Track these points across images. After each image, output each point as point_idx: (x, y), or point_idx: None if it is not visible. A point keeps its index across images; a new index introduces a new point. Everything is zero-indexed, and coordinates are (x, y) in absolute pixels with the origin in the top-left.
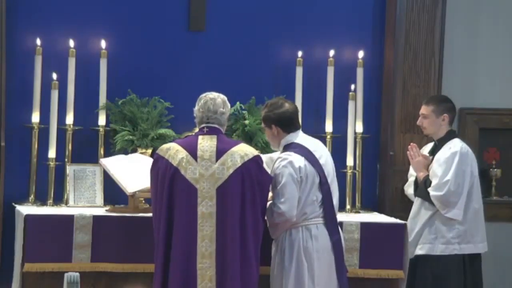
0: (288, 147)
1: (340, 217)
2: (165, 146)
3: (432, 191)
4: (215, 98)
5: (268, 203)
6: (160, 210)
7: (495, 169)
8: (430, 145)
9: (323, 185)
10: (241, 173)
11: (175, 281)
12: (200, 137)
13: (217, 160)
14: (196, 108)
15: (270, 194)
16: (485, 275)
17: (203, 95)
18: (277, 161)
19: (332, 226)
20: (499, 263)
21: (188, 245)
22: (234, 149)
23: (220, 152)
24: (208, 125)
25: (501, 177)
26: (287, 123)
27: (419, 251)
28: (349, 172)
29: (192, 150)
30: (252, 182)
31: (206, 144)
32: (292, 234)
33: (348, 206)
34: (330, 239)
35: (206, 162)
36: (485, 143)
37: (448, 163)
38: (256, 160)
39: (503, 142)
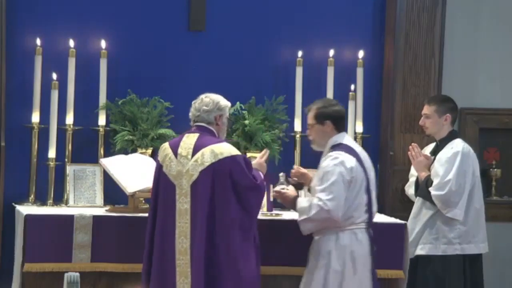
0: (337, 147)
1: None
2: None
3: (433, 191)
4: (202, 98)
5: (313, 199)
6: (150, 208)
7: (495, 169)
8: (431, 146)
9: (369, 190)
10: (212, 171)
11: (157, 277)
12: (185, 135)
13: (192, 156)
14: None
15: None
16: (485, 275)
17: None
18: (327, 159)
19: (372, 232)
20: (499, 263)
21: (167, 241)
22: (211, 146)
23: (196, 149)
24: (196, 124)
25: (501, 177)
26: (341, 121)
27: (420, 251)
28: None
29: (175, 148)
30: (224, 181)
31: (188, 141)
32: (340, 237)
33: None
34: (370, 246)
35: (184, 159)
36: (485, 143)
37: (449, 163)
38: (235, 160)
39: (503, 142)
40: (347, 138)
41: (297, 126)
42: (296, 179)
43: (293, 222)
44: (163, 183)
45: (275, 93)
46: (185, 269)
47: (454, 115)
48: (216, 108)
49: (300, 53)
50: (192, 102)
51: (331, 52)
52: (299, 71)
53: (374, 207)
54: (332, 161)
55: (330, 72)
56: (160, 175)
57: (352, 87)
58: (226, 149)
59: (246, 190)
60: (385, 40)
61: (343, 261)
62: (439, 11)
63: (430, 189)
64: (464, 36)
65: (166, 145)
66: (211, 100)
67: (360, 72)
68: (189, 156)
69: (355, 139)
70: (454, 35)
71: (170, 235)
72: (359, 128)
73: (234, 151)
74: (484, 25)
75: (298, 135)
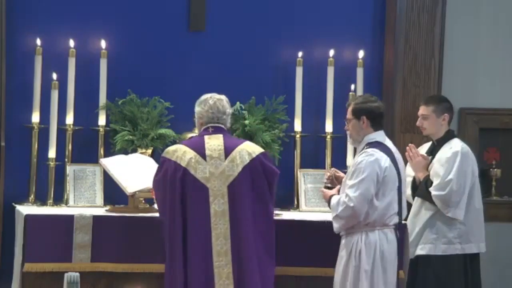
0: (372, 145)
1: None
2: (170, 148)
3: (434, 191)
4: (222, 99)
5: (341, 196)
6: (172, 211)
7: (495, 169)
8: (427, 145)
9: (400, 190)
10: (250, 170)
11: (194, 282)
12: (206, 137)
13: (225, 158)
14: (203, 109)
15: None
16: (485, 275)
17: (208, 96)
18: (361, 155)
19: (400, 233)
20: (499, 263)
21: (203, 244)
22: (241, 146)
23: (228, 150)
24: (214, 125)
25: (501, 177)
26: (377, 118)
27: (420, 251)
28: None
29: (200, 150)
30: (260, 179)
31: (214, 143)
32: (369, 236)
33: None
34: (398, 247)
35: (216, 161)
36: (485, 143)
37: (450, 163)
38: (263, 157)
39: (503, 142)
40: (384, 137)
41: (297, 126)
42: (329, 180)
43: (293, 222)
44: (191, 187)
45: (275, 93)
46: (226, 270)
47: (451, 115)
48: (231, 111)
49: (300, 53)
50: (211, 103)
51: (331, 52)
52: (299, 71)
53: (405, 210)
54: (366, 157)
55: (330, 72)
56: (185, 179)
57: (352, 87)
58: (256, 148)
59: (273, 184)
60: (385, 40)
61: (372, 260)
62: (439, 11)
63: (431, 189)
64: (464, 36)
65: (184, 148)
66: (227, 101)
67: (360, 72)
68: (222, 157)
69: None
70: (454, 35)
71: (204, 237)
72: None
73: (260, 148)
74: (484, 25)
75: (298, 135)
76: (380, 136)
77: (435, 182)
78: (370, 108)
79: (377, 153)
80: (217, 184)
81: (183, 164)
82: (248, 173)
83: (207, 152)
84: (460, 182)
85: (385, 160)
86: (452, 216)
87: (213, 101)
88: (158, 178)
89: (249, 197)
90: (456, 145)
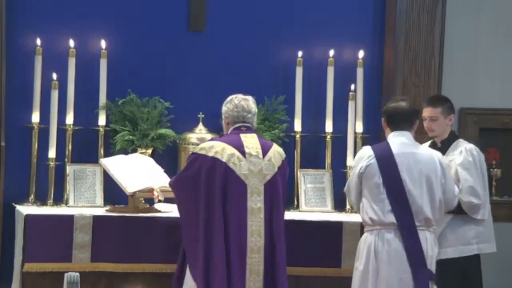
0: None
1: (341, 217)
2: (206, 145)
3: (464, 197)
4: (247, 99)
5: None
6: (209, 208)
7: (495, 169)
8: (426, 145)
9: (391, 190)
10: (281, 171)
11: (220, 276)
12: (242, 135)
13: (263, 156)
14: (229, 108)
15: None
16: (485, 275)
17: (233, 96)
18: None
19: (407, 231)
20: (499, 263)
21: (239, 240)
22: (273, 147)
23: (265, 149)
24: (245, 125)
25: (501, 177)
26: (390, 119)
27: (443, 255)
28: (349, 172)
29: (239, 147)
30: (284, 180)
31: (251, 141)
32: (367, 237)
33: (348, 206)
34: (403, 245)
35: (254, 158)
36: (485, 143)
37: (472, 167)
38: (285, 159)
39: (503, 142)
40: (394, 137)
41: (297, 126)
42: None
43: (293, 222)
44: (231, 183)
45: (275, 93)
46: (257, 267)
47: (454, 114)
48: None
49: (300, 53)
50: (236, 103)
51: (331, 52)
52: (299, 71)
53: (423, 211)
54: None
55: (330, 72)
56: (226, 175)
57: (352, 87)
58: (281, 150)
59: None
60: (385, 40)
61: (367, 260)
62: (439, 11)
63: (461, 196)
64: (464, 36)
65: (222, 144)
66: (254, 103)
67: (360, 72)
68: (260, 156)
69: (355, 139)
70: (454, 35)
71: (242, 234)
72: (359, 128)
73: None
74: (484, 25)
75: (298, 135)
76: (395, 136)
77: (463, 186)
78: (385, 108)
79: (364, 150)
80: (255, 181)
81: (224, 159)
82: (281, 173)
83: (246, 150)
84: (484, 184)
85: (367, 157)
86: (481, 218)
87: (238, 100)
88: (189, 175)
89: (281, 196)
90: (469, 146)
